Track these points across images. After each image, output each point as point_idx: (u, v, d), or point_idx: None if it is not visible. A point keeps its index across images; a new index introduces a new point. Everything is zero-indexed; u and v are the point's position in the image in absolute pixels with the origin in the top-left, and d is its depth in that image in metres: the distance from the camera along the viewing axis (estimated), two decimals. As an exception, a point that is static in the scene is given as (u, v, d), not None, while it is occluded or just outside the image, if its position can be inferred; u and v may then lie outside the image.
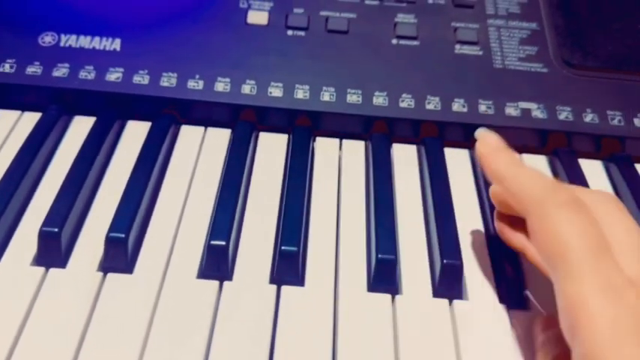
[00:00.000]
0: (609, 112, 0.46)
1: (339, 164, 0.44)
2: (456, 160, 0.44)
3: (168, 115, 0.44)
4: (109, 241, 0.35)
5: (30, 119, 0.44)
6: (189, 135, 0.45)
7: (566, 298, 0.26)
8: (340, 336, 0.33)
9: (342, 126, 0.45)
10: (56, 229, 0.35)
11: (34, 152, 0.40)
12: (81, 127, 0.44)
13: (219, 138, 0.45)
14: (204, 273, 0.35)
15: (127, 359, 0.31)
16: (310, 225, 0.39)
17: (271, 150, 0.44)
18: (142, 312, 0.33)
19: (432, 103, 0.45)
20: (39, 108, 0.44)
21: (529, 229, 0.30)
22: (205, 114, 0.45)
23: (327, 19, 0.49)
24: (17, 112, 0.45)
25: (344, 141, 0.45)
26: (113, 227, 0.35)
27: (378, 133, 0.45)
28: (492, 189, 0.35)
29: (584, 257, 0.26)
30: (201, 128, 0.45)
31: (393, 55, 0.47)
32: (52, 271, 0.35)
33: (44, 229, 0.35)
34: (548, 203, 0.28)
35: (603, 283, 0.25)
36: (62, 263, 0.35)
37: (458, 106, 0.45)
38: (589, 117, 0.46)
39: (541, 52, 0.49)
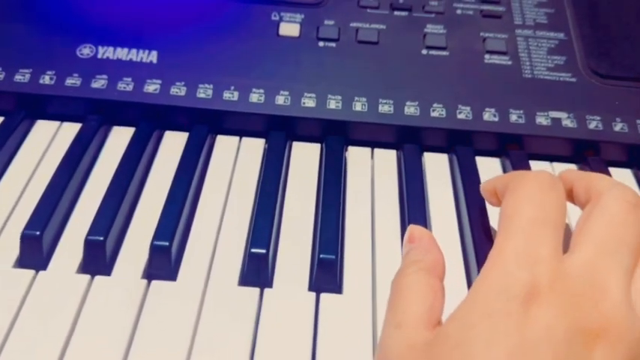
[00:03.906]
0: (639, 122, 0.46)
1: (372, 173, 0.44)
2: (487, 168, 0.45)
3: (204, 126, 0.45)
4: (154, 249, 0.36)
5: (69, 129, 0.45)
6: (224, 145, 0.45)
7: (493, 249, 0.29)
8: (380, 342, 0.33)
9: (374, 135, 0.46)
10: (101, 238, 0.36)
11: (77, 162, 0.41)
12: (120, 137, 0.45)
13: (254, 147, 0.45)
14: (246, 280, 0.36)
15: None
16: (346, 233, 0.40)
17: (305, 159, 0.45)
18: (187, 318, 0.34)
19: (464, 113, 0.45)
20: (78, 118, 0.46)
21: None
22: (240, 124, 0.46)
23: (357, 30, 0.50)
24: (57, 123, 0.46)
25: (375, 150, 0.46)
26: (157, 235, 0.36)
27: (409, 143, 0.45)
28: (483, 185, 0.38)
29: (523, 222, 0.29)
30: (236, 138, 0.46)
31: (424, 66, 0.48)
32: (98, 278, 0.36)
33: (90, 237, 0.36)
34: (523, 179, 0.32)
35: (522, 249, 0.28)
36: (107, 271, 0.36)
37: (489, 115, 0.45)
38: (618, 126, 0.46)
39: (569, 62, 0.49)
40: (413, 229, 0.35)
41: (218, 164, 0.44)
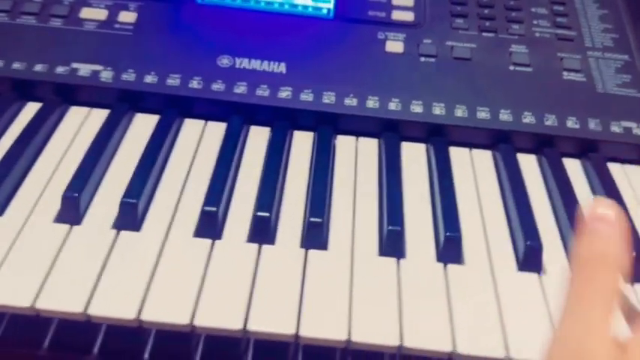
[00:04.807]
0: (697, 131, 0.54)
1: (473, 169, 0.52)
2: (569, 168, 0.52)
3: (328, 127, 0.53)
4: (311, 225, 0.44)
5: (215, 129, 0.53)
6: (345, 143, 0.53)
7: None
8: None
9: (473, 137, 0.54)
10: (268, 214, 0.44)
11: (231, 155, 0.49)
12: (258, 135, 0.53)
13: (370, 145, 0.53)
14: (385, 251, 0.44)
15: (339, 323, 0.39)
16: (459, 215, 0.47)
17: (415, 156, 0.53)
18: (341, 279, 0.41)
19: (550, 120, 0.53)
20: (219, 118, 0.54)
21: None
22: (358, 126, 0.54)
23: (452, 48, 0.58)
24: (202, 122, 0.54)
25: (473, 150, 0.54)
26: (312, 213, 0.44)
27: (504, 145, 0.53)
28: None
29: None
30: (354, 138, 0.54)
31: (512, 79, 0.56)
32: (265, 247, 0.43)
33: (258, 213, 0.44)
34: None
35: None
36: (271, 241, 0.44)
37: (571, 123, 0.53)
38: (680, 134, 0.54)
39: (634, 80, 0.57)
40: (599, 201, 0.29)
41: (343, 158, 0.52)
